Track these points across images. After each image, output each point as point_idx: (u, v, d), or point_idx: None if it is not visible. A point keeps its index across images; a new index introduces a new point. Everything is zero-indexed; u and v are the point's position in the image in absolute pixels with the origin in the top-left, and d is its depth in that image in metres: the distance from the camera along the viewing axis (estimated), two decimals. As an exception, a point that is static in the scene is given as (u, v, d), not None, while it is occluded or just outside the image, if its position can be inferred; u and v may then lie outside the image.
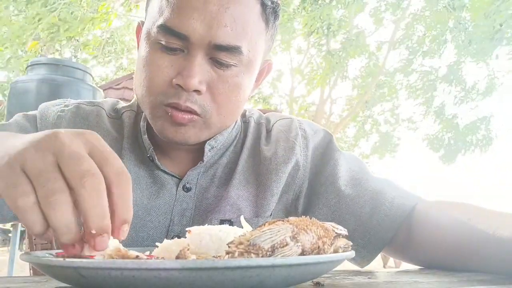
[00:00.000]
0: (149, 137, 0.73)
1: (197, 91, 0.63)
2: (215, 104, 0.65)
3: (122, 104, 0.82)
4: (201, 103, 0.64)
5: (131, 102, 0.81)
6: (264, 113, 0.87)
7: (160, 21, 0.63)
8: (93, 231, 0.36)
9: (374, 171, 0.81)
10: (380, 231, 0.71)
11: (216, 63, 0.64)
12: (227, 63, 0.64)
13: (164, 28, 0.62)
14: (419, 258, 0.70)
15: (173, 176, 0.73)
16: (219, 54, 0.63)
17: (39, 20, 6.37)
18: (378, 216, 0.71)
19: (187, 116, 0.64)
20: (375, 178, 0.76)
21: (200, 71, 0.63)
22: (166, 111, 0.64)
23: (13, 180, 0.37)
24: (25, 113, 0.76)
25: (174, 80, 0.63)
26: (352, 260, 0.75)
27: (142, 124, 0.75)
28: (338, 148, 0.80)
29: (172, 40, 0.62)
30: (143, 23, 0.74)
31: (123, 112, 0.79)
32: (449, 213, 0.65)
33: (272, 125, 0.81)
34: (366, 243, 0.72)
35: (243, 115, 0.83)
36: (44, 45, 7.01)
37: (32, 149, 0.38)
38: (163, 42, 0.63)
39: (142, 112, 0.77)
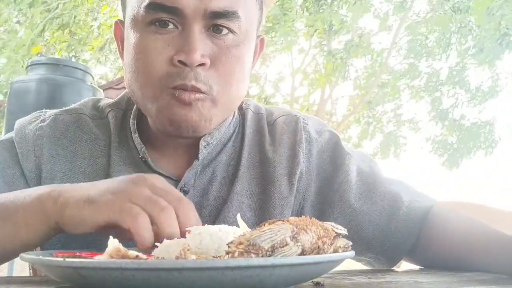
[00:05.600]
0: (140, 136, 0.68)
1: (201, 65, 0.60)
2: (220, 78, 0.62)
3: (106, 101, 0.76)
4: (205, 80, 0.60)
5: (115, 100, 0.75)
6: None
7: (147, 1, 0.59)
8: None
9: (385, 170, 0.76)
10: (400, 237, 0.68)
11: (215, 32, 0.61)
12: (227, 26, 0.61)
13: (154, 6, 0.59)
14: (433, 260, 0.68)
15: (168, 177, 0.67)
16: (217, 22, 0.60)
17: (43, 29, 6.36)
18: (396, 222, 0.68)
19: (194, 96, 0.60)
20: (388, 180, 0.73)
21: (200, 44, 0.59)
22: (172, 94, 0.60)
23: (127, 207, 0.46)
24: (1, 140, 0.71)
25: (175, 57, 0.59)
26: (370, 266, 0.73)
27: (132, 122, 0.69)
28: (346, 150, 0.74)
29: (165, 18, 0.59)
30: (121, 21, 0.70)
31: (109, 112, 0.73)
32: (465, 216, 0.64)
33: (275, 120, 0.75)
34: (385, 250, 0.69)
35: (240, 107, 0.76)
36: (45, 45, 7.01)
37: (131, 186, 0.49)
38: (154, 23, 0.60)
39: (131, 110, 0.72)
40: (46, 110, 0.75)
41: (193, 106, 0.61)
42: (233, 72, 0.63)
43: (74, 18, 6.59)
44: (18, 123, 0.73)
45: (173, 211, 0.47)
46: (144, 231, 0.45)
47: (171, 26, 0.60)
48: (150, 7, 0.59)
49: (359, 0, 7.24)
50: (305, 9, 7.57)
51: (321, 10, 7.16)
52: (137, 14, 0.61)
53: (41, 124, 0.71)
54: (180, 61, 0.59)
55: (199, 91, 0.60)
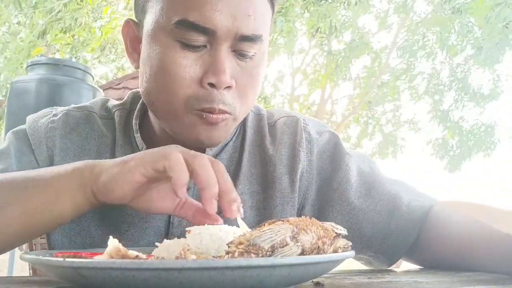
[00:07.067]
0: (142, 136, 0.70)
1: (229, 87, 0.61)
2: (242, 98, 0.63)
3: (113, 102, 0.78)
4: (230, 101, 0.62)
5: (123, 101, 0.77)
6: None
7: (178, 17, 0.58)
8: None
9: (385, 170, 0.77)
10: (400, 236, 0.68)
11: (239, 55, 0.62)
12: (250, 53, 0.62)
13: (186, 24, 0.58)
14: (434, 260, 0.68)
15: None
16: (243, 45, 0.61)
17: (44, 32, 6.33)
18: (396, 221, 0.68)
19: (220, 116, 0.62)
20: (388, 180, 0.73)
21: (228, 66, 0.60)
22: (199, 115, 0.61)
23: (160, 152, 0.50)
24: (14, 131, 0.72)
25: (204, 79, 0.60)
26: (370, 264, 0.74)
27: (135, 122, 0.71)
28: (346, 150, 0.75)
29: (195, 36, 0.58)
30: (133, 21, 0.69)
31: (115, 111, 0.74)
32: (466, 215, 0.64)
33: (276, 121, 0.76)
34: (385, 249, 0.69)
35: None
36: (46, 45, 7.00)
37: (163, 148, 0.51)
38: (184, 40, 0.59)
39: (134, 110, 0.73)
40: (57, 107, 0.77)
41: (218, 125, 0.62)
42: (253, 91, 0.65)
43: (76, 20, 6.56)
44: (30, 118, 0.74)
45: (207, 158, 0.49)
46: (179, 166, 0.47)
47: (199, 44, 0.60)
48: (181, 24, 0.58)
49: (359, 0, 7.22)
50: (305, 9, 7.55)
51: (320, 4, 7.09)
52: (164, 26, 0.60)
53: (54, 118, 0.73)
54: (209, 83, 0.60)
55: (225, 112, 0.62)
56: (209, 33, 0.58)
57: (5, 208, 0.53)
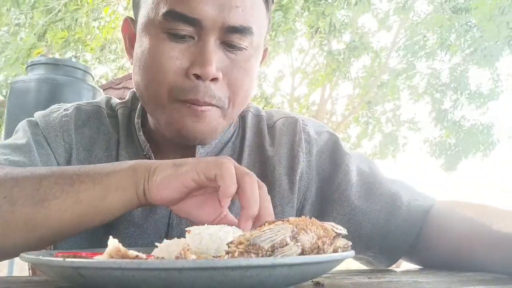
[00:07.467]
0: (144, 134, 0.70)
1: (215, 79, 0.61)
2: (229, 92, 0.63)
3: (116, 100, 0.79)
4: (217, 94, 0.61)
5: (125, 100, 0.78)
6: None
7: (166, 8, 0.59)
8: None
9: (384, 170, 0.77)
10: (399, 236, 0.68)
11: (228, 47, 0.62)
12: (239, 45, 0.62)
13: (173, 15, 0.59)
14: (433, 260, 0.68)
15: None
16: (232, 36, 0.61)
17: (44, 33, 6.33)
18: (395, 221, 0.68)
19: (205, 107, 0.62)
20: (387, 180, 0.73)
21: (215, 57, 0.60)
22: (183, 105, 0.61)
23: (213, 159, 0.51)
24: (29, 121, 0.71)
25: (190, 70, 0.60)
26: (369, 264, 0.74)
27: (137, 121, 0.72)
28: (346, 150, 0.75)
29: (182, 27, 0.59)
30: (131, 19, 0.70)
31: (118, 109, 0.75)
32: (465, 215, 0.64)
33: (275, 122, 0.77)
34: (384, 249, 0.69)
35: None
36: (46, 45, 7.00)
37: (215, 159, 0.51)
38: (171, 31, 0.60)
39: (136, 109, 0.74)
40: (62, 103, 0.77)
41: (203, 117, 0.62)
42: (242, 86, 0.64)
43: (76, 20, 6.55)
44: (38, 114, 0.73)
45: (256, 179, 0.50)
46: (229, 177, 0.48)
47: (185, 33, 0.60)
48: (169, 15, 0.59)
49: (359, 0, 7.20)
50: (306, 9, 7.54)
51: (320, 4, 7.05)
52: (153, 19, 0.61)
53: (66, 112, 0.72)
54: (195, 74, 0.60)
55: (210, 104, 0.62)
56: (196, 23, 0.59)
57: (52, 200, 0.52)
